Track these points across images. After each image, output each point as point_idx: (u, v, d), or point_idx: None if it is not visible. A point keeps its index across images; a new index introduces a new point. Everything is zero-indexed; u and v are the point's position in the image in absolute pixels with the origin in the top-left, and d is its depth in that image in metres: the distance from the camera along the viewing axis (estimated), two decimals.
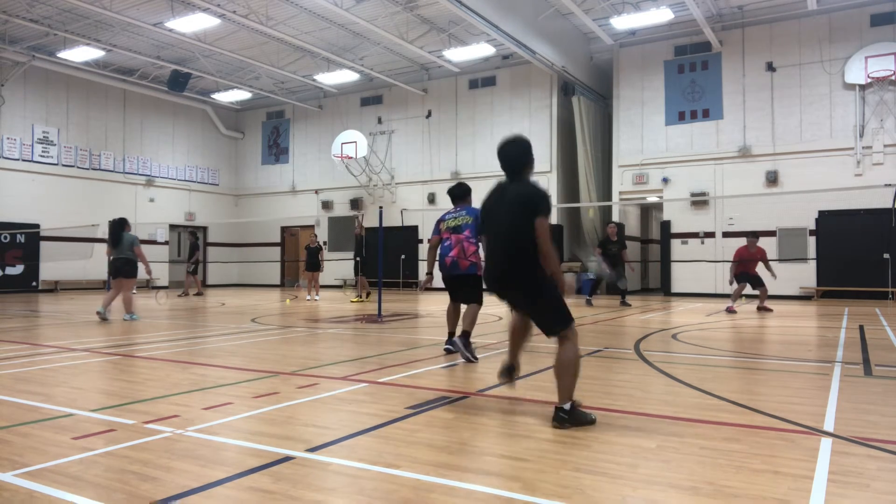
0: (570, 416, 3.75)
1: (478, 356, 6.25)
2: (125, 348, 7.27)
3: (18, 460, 3.09)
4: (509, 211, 4.01)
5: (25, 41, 19.29)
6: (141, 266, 10.90)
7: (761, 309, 12.62)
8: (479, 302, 6.54)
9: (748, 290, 12.95)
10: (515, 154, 4.15)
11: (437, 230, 6.79)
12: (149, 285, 23.21)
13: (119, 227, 10.80)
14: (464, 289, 6.61)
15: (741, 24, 18.09)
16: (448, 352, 6.63)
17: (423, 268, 22.69)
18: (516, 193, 4.04)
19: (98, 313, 10.35)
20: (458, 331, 6.48)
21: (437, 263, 6.78)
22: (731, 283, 12.88)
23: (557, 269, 3.88)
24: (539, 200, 3.93)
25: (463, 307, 6.66)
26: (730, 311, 12.29)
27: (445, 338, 8.14)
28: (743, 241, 13.36)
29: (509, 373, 4.33)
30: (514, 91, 21.37)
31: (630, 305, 14.27)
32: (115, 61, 21.35)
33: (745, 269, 12.78)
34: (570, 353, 3.83)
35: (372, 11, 17.08)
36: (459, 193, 6.92)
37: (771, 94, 17.75)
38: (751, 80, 17.98)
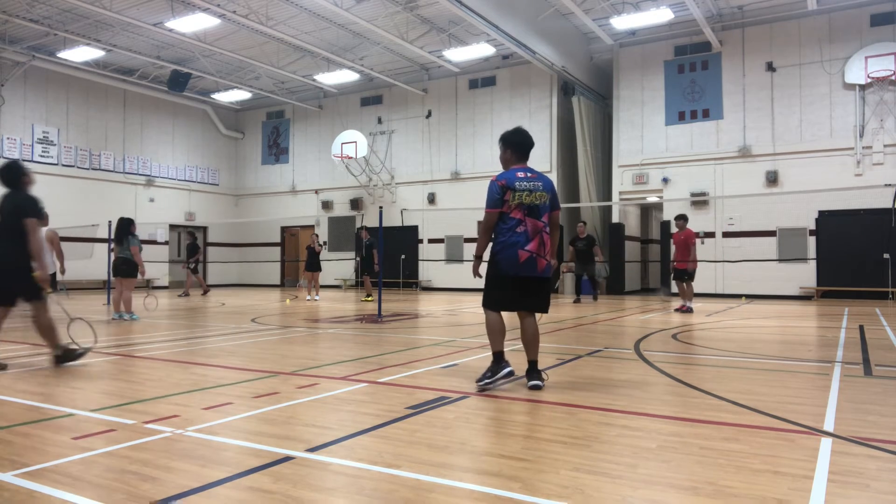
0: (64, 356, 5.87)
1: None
2: (125, 348, 7.27)
3: (18, 460, 3.09)
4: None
5: (25, 41, 19.29)
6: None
7: (680, 310, 12.26)
8: (547, 310, 5.06)
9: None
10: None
11: (499, 200, 4.78)
12: (149, 285, 23.20)
13: (124, 226, 10.96)
14: (532, 295, 4.90)
15: (741, 24, 18.09)
16: (510, 375, 4.90)
17: (423, 268, 22.68)
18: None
19: (114, 319, 10.66)
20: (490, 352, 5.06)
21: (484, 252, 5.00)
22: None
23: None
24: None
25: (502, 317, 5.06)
26: (680, 310, 12.28)
27: (447, 338, 8.14)
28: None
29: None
30: (514, 91, 21.38)
31: (595, 301, 15.53)
32: (115, 61, 21.36)
33: (677, 256, 12.52)
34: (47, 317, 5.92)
35: (372, 11, 17.08)
36: (527, 142, 5.05)
37: (771, 94, 17.75)
38: (751, 80, 17.99)
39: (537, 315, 5.06)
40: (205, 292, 19.27)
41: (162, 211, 24.33)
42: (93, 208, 21.39)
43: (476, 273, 5.04)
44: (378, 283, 11.73)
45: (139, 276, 10.93)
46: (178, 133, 25.48)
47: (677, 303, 13.27)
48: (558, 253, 10.99)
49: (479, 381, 4.83)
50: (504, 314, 5.04)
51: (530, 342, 4.93)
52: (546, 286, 4.97)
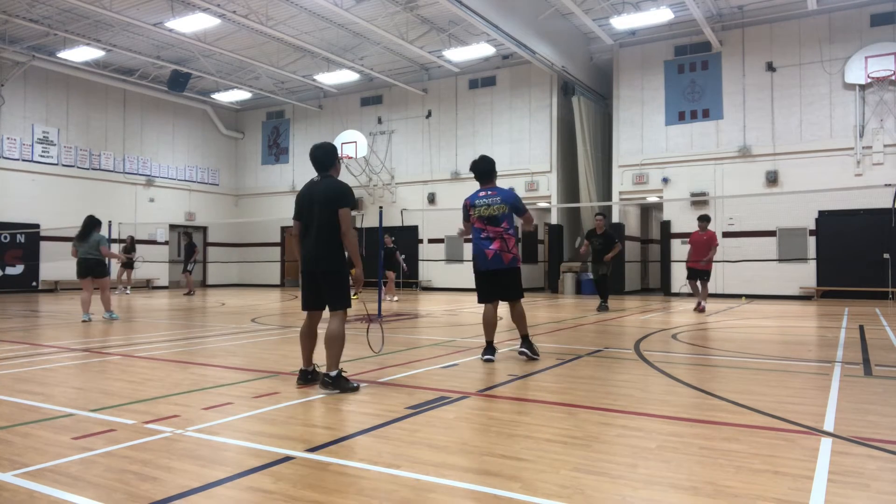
0: (334, 382, 4.63)
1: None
2: (125, 348, 7.27)
3: (18, 460, 3.09)
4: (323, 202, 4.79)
5: (25, 41, 19.28)
6: (113, 262, 10.45)
7: (697, 310, 12.45)
8: (522, 295, 6.27)
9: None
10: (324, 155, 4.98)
11: (466, 215, 6.27)
12: (149, 286, 23.20)
13: (90, 224, 10.50)
14: (504, 284, 6.16)
15: (741, 24, 18.09)
16: (489, 361, 6.07)
17: (423, 268, 22.69)
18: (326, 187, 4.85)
19: (84, 321, 10.14)
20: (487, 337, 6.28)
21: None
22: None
23: (357, 255, 4.83)
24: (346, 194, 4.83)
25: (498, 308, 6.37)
26: (698, 309, 12.47)
27: (447, 338, 8.15)
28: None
29: (307, 379, 4.91)
30: (514, 91, 21.37)
31: (608, 310, 12.71)
32: (115, 61, 21.35)
33: (694, 256, 12.73)
34: (341, 328, 4.73)
35: (372, 11, 17.08)
36: (485, 169, 6.30)
37: (771, 94, 17.75)
38: (751, 80, 17.98)
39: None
40: (189, 293, 19.16)
41: (162, 211, 24.32)
42: (93, 208, 21.21)
43: (464, 232, 6.44)
44: (378, 284, 11.73)
45: (124, 260, 10.54)
46: (178, 133, 25.47)
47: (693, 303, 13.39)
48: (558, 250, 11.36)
49: (481, 356, 6.20)
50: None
51: (516, 321, 6.24)
52: (515, 275, 6.21)
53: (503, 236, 6.09)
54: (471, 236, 6.32)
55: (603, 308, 12.69)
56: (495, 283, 6.17)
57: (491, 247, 6.06)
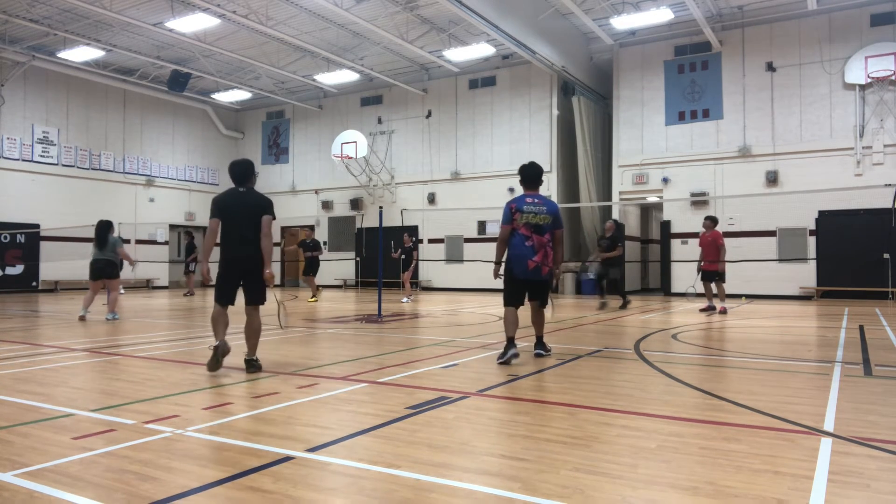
0: (257, 363, 5.62)
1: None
2: (125, 348, 7.27)
3: (18, 460, 3.09)
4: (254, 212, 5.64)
5: (25, 41, 19.29)
6: (126, 265, 10.89)
7: (721, 311, 12.10)
8: (547, 303, 6.59)
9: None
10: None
11: (509, 218, 6.19)
12: (149, 285, 23.20)
13: (106, 229, 10.78)
14: (537, 292, 6.42)
15: (741, 24, 18.09)
16: (514, 357, 6.08)
17: (423, 268, 22.69)
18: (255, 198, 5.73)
19: (81, 317, 10.34)
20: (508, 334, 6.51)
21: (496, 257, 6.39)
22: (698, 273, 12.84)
23: (270, 257, 5.71)
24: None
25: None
26: (704, 310, 12.34)
27: (447, 338, 8.15)
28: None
29: (221, 357, 5.54)
30: (514, 91, 21.37)
31: (604, 306, 13.54)
32: (115, 61, 21.35)
33: (704, 257, 12.51)
34: (260, 321, 5.78)
35: (372, 11, 17.08)
36: (536, 174, 6.40)
37: (771, 94, 17.75)
38: (751, 80, 17.98)
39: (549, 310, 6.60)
40: (188, 293, 19.15)
41: (162, 211, 24.33)
42: (93, 208, 21.37)
43: (496, 275, 6.41)
44: (378, 283, 11.72)
45: (132, 266, 11.01)
46: (178, 133, 25.47)
47: (702, 303, 13.34)
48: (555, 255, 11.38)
49: (497, 359, 6.11)
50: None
51: (537, 323, 6.47)
52: (547, 286, 6.50)
53: (546, 248, 6.22)
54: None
55: (625, 305, 13.73)
56: (528, 290, 6.37)
57: (534, 258, 6.15)
